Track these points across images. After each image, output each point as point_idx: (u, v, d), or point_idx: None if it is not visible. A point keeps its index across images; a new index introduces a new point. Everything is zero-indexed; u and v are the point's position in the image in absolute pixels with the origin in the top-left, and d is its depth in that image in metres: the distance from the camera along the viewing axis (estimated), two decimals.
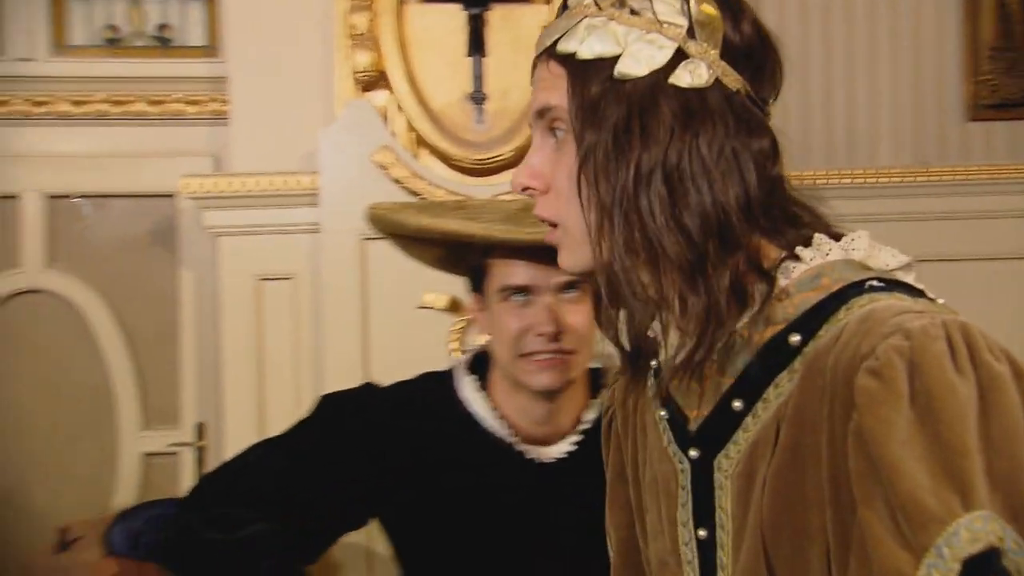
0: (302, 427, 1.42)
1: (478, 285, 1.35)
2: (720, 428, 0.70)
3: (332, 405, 1.43)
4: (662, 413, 0.78)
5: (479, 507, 1.30)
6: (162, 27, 2.72)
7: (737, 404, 0.69)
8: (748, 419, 0.69)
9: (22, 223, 2.65)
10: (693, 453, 0.73)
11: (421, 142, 2.29)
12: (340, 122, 2.22)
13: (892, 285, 0.67)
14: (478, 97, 2.23)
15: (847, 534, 0.60)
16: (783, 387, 0.67)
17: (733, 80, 0.70)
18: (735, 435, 0.70)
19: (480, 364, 1.41)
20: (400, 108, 2.26)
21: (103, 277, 2.69)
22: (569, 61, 0.71)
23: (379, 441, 1.35)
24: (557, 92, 0.72)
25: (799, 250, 0.70)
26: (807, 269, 0.69)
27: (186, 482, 2.63)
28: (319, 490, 1.32)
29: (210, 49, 2.69)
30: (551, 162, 0.74)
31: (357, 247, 2.21)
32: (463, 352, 2.24)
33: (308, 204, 2.23)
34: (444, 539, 1.31)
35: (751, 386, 0.68)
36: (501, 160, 2.26)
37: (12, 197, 2.65)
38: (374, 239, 2.22)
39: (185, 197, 2.32)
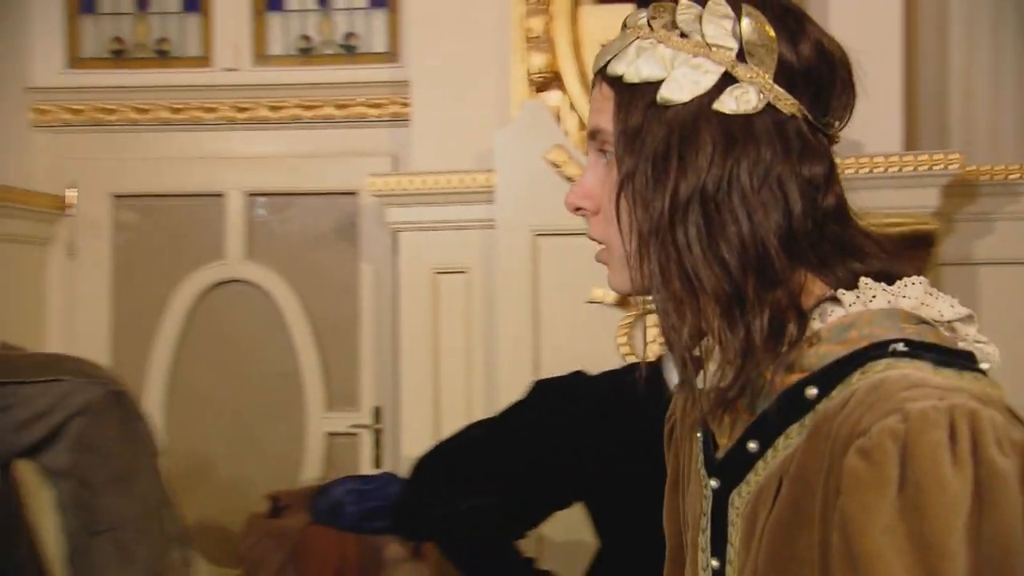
0: (516, 410, 1.48)
1: None
2: (737, 464, 0.69)
3: (545, 391, 1.49)
4: (699, 435, 0.77)
5: None
6: (348, 35, 2.91)
7: (752, 445, 0.67)
8: (760, 463, 0.67)
9: (226, 219, 2.92)
10: (714, 483, 0.72)
11: None
12: (516, 122, 2.30)
13: (921, 349, 0.61)
14: None
15: None
16: (792, 439, 0.64)
17: (788, 104, 0.66)
18: (748, 475, 0.68)
19: None
20: (572, 107, 2.32)
21: (294, 269, 2.92)
22: (617, 84, 0.69)
23: (589, 429, 1.39)
24: (606, 115, 0.70)
25: (841, 293, 0.65)
26: (843, 316, 0.65)
27: (365, 461, 2.82)
28: (530, 472, 1.38)
29: (391, 55, 2.85)
30: (601, 183, 0.72)
31: (530, 242, 2.29)
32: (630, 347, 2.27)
33: (484, 201, 2.33)
34: (651, 529, 1.33)
35: (766, 430, 0.66)
36: None
37: (219, 195, 2.92)
38: (546, 235, 2.30)
39: (369, 194, 2.48)
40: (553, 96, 2.34)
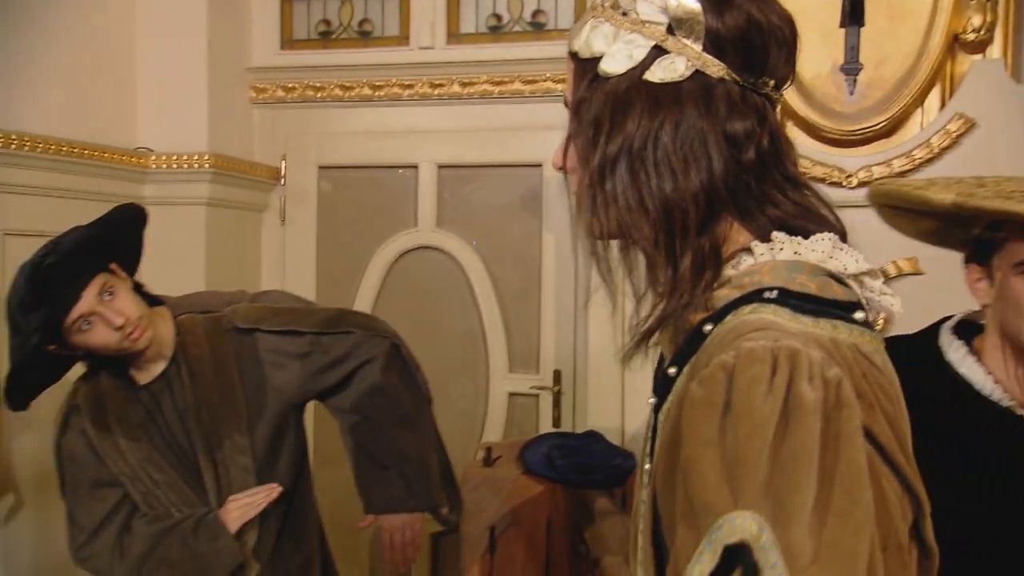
0: None
1: (982, 257, 1.33)
2: (664, 385, 0.77)
3: None
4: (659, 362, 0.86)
5: (971, 472, 1.28)
6: (536, 13, 3.02)
7: (672, 371, 0.76)
8: (675, 385, 0.75)
9: (419, 189, 3.12)
10: (652, 400, 0.80)
11: (786, 113, 2.33)
12: None
13: (789, 298, 0.69)
14: (851, 68, 2.22)
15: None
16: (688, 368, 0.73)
17: (716, 69, 0.74)
18: (669, 395, 0.76)
19: (964, 330, 1.39)
20: None
21: (480, 237, 3.09)
22: (575, 59, 0.79)
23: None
24: (570, 87, 0.80)
25: (754, 244, 0.74)
26: (752, 264, 0.73)
27: (545, 421, 2.97)
28: None
29: None
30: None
31: None
32: None
33: None
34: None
35: (682, 358, 0.75)
36: (872, 131, 2.24)
37: (413, 167, 3.13)
38: None
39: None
40: None
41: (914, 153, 2.14)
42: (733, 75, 0.75)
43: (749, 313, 0.70)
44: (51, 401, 2.60)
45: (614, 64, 0.75)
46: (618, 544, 1.80)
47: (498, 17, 3.04)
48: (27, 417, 2.49)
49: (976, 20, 2.15)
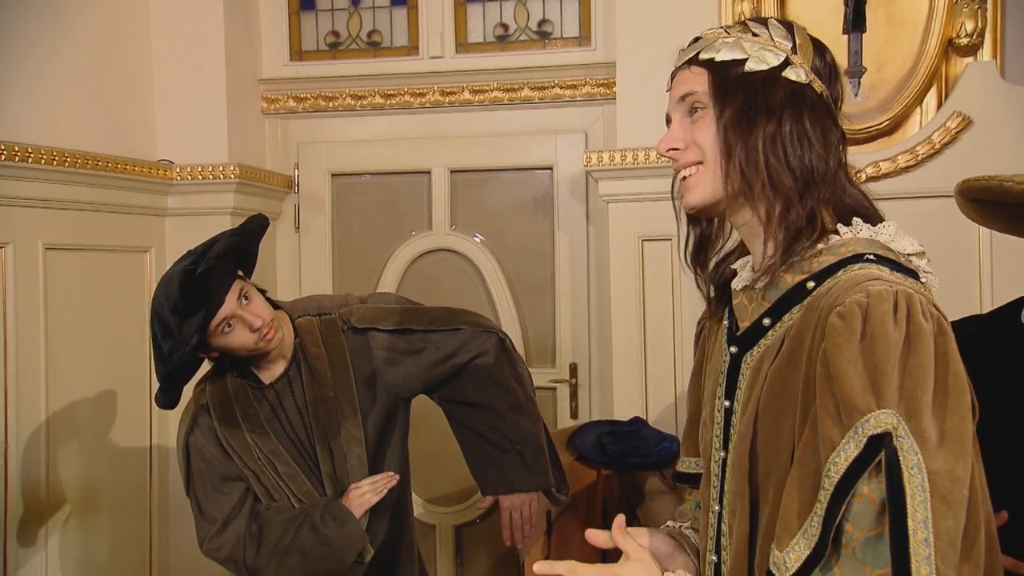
0: None
1: None
2: (752, 335, 0.99)
3: None
4: (726, 322, 1.07)
5: None
6: (542, 22, 3.15)
7: (766, 321, 0.98)
8: (769, 332, 0.97)
9: (433, 193, 3.22)
10: (733, 349, 1.02)
11: None
12: None
13: (883, 261, 0.92)
14: (855, 71, 2.39)
15: (807, 413, 0.88)
16: (794, 315, 0.94)
17: (819, 85, 0.98)
18: (759, 342, 0.98)
19: None
20: None
21: (494, 237, 3.21)
22: (709, 63, 0.99)
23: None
24: (697, 83, 1.00)
25: (840, 227, 0.96)
26: (839, 240, 0.95)
27: (563, 413, 3.10)
28: None
29: (583, 39, 3.07)
30: (688, 131, 1.01)
31: None
32: None
33: None
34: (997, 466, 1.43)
35: (777, 311, 0.97)
36: (876, 129, 2.42)
37: (426, 172, 3.23)
38: None
39: (585, 169, 2.73)
40: None
41: (917, 149, 2.32)
42: (828, 93, 0.99)
43: (859, 269, 0.90)
44: (92, 411, 2.64)
45: (758, 63, 0.98)
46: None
47: (504, 27, 3.16)
48: (73, 428, 2.54)
49: (968, 25, 2.35)
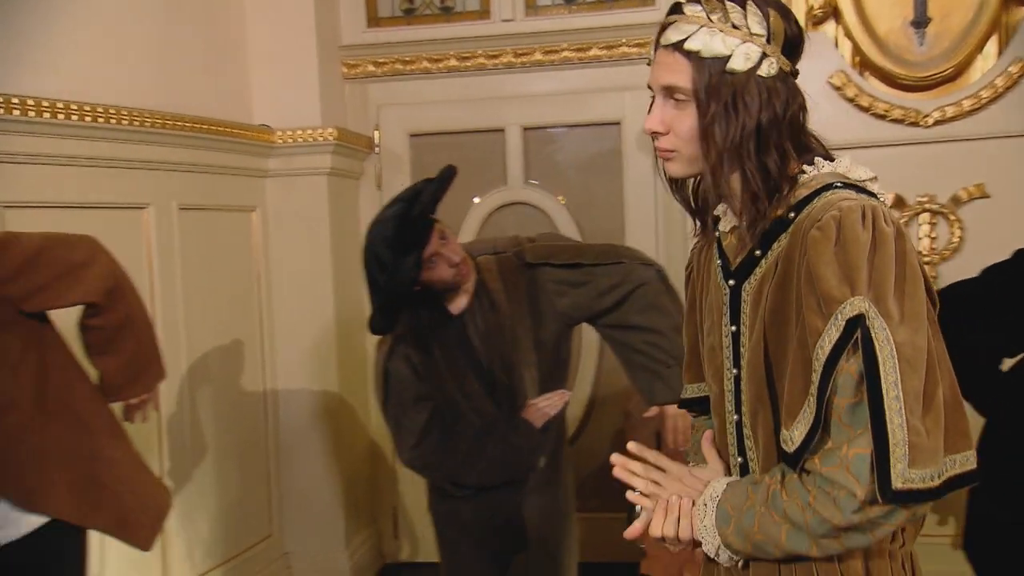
0: (998, 269, 1.86)
1: None
2: (747, 267, 1.13)
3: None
4: (718, 261, 1.19)
5: None
6: None
7: (757, 252, 1.12)
8: (762, 261, 1.11)
9: (507, 150, 3.42)
10: (731, 282, 1.16)
11: (864, 65, 2.70)
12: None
13: (850, 186, 1.07)
14: (921, 21, 2.59)
15: (800, 317, 1.03)
16: (782, 242, 1.08)
17: (785, 65, 1.09)
18: (754, 271, 1.12)
19: None
20: (848, 36, 2.68)
21: (566, 191, 3.41)
22: (692, 56, 1.07)
23: None
24: (681, 76, 1.08)
25: (806, 167, 1.10)
26: (808, 175, 1.09)
27: None
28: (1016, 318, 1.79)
29: (647, 1, 3.25)
30: (671, 117, 1.10)
31: None
32: None
33: None
34: None
35: (766, 242, 1.11)
36: (941, 76, 2.62)
37: (499, 130, 3.42)
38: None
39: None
40: (823, 29, 2.71)
41: (981, 93, 2.53)
42: (790, 67, 1.10)
43: (831, 195, 1.06)
44: (220, 360, 2.87)
45: (739, 63, 1.06)
46: None
47: None
48: (206, 376, 2.76)
49: None
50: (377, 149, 3.48)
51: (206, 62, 2.93)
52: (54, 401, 1.59)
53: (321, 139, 3.10)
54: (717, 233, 1.21)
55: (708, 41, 1.06)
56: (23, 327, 1.55)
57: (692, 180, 1.20)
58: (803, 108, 1.11)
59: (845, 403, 0.98)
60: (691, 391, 1.39)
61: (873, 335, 0.95)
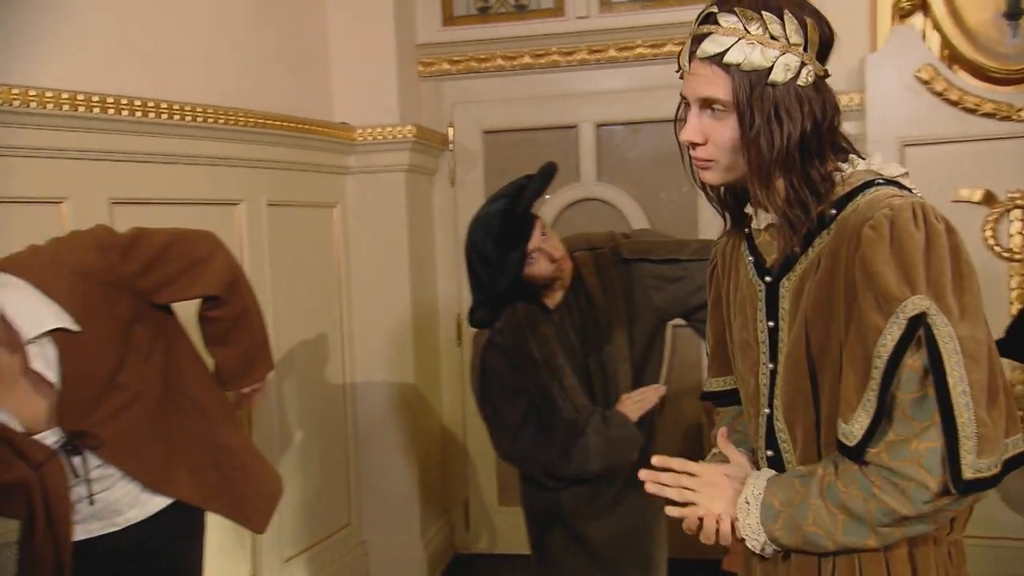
0: None
1: None
2: (785, 264, 1.15)
3: None
4: (749, 258, 1.21)
5: None
6: None
7: (796, 250, 1.13)
8: (802, 258, 1.12)
9: (580, 147, 3.44)
10: (767, 279, 1.17)
11: (953, 58, 2.66)
12: (887, 45, 2.65)
13: (890, 183, 1.10)
14: (1014, 12, 2.54)
15: (851, 311, 1.04)
16: (824, 239, 1.10)
17: (820, 70, 1.09)
18: (793, 268, 1.13)
19: None
20: (936, 29, 2.65)
21: (639, 187, 3.42)
22: (732, 69, 1.06)
23: None
24: (720, 88, 1.07)
25: (841, 164, 1.12)
26: (845, 173, 1.11)
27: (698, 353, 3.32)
28: None
29: None
30: (709, 128, 1.10)
31: (898, 151, 2.67)
32: (995, 240, 2.63)
33: (854, 118, 2.71)
34: None
35: (806, 240, 1.12)
36: None
37: (572, 127, 3.44)
38: (914, 145, 2.67)
39: None
40: (915, 21, 2.67)
41: None
42: (824, 71, 1.11)
43: (875, 192, 1.08)
44: (304, 351, 2.95)
45: (780, 75, 1.06)
46: None
47: None
48: (291, 367, 2.84)
49: None
50: (451, 146, 3.53)
51: (291, 62, 3.00)
52: (178, 389, 1.66)
53: (400, 136, 3.16)
54: (747, 230, 1.22)
55: (748, 53, 1.05)
56: (152, 318, 1.62)
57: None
58: (837, 110, 1.12)
59: (909, 398, 1.00)
60: (716, 384, 1.41)
61: (936, 332, 0.98)
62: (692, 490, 1.18)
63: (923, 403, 0.99)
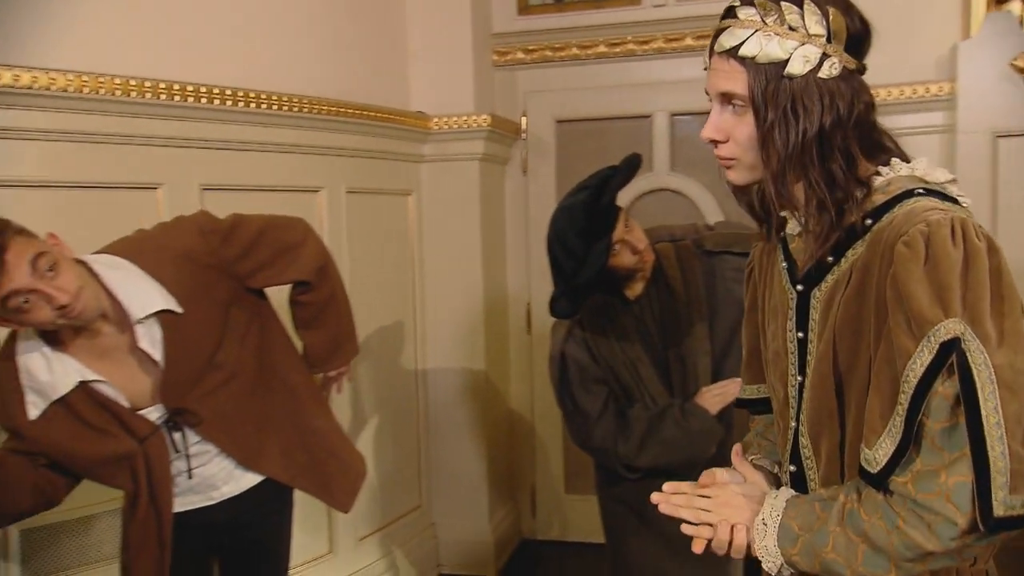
0: None
1: None
2: (818, 273, 1.09)
3: None
4: (783, 264, 1.16)
5: None
6: None
7: (830, 259, 1.07)
8: (835, 268, 1.06)
9: (653, 136, 3.42)
10: (800, 288, 1.11)
11: None
12: (981, 33, 2.57)
13: (932, 192, 1.02)
14: None
15: (881, 330, 0.98)
16: (857, 250, 1.03)
17: (850, 63, 1.03)
18: (826, 277, 1.07)
19: None
20: None
21: (711, 177, 3.37)
22: (748, 62, 1.02)
23: None
24: (738, 83, 1.03)
25: (881, 168, 1.05)
26: (884, 179, 1.04)
27: None
28: None
29: None
30: (730, 124, 1.06)
31: (990, 144, 2.58)
32: None
33: (943, 108, 2.63)
34: None
35: (840, 249, 1.06)
36: None
37: (646, 116, 3.42)
38: (1007, 136, 2.58)
39: None
40: (1013, 7, 2.57)
41: None
42: (857, 64, 1.04)
43: (914, 203, 1.01)
44: (379, 337, 3.02)
45: (797, 68, 1.01)
46: None
47: None
48: (367, 352, 2.89)
49: None
50: (524, 135, 3.54)
51: (370, 52, 3.05)
52: (270, 370, 1.72)
53: (475, 125, 3.18)
54: (783, 235, 1.18)
55: (764, 45, 1.01)
56: (247, 302, 1.68)
57: (755, 185, 1.14)
58: (871, 106, 1.05)
59: (939, 427, 0.94)
60: (749, 392, 1.38)
61: (970, 359, 0.91)
62: (707, 511, 1.15)
63: (954, 432, 0.93)
